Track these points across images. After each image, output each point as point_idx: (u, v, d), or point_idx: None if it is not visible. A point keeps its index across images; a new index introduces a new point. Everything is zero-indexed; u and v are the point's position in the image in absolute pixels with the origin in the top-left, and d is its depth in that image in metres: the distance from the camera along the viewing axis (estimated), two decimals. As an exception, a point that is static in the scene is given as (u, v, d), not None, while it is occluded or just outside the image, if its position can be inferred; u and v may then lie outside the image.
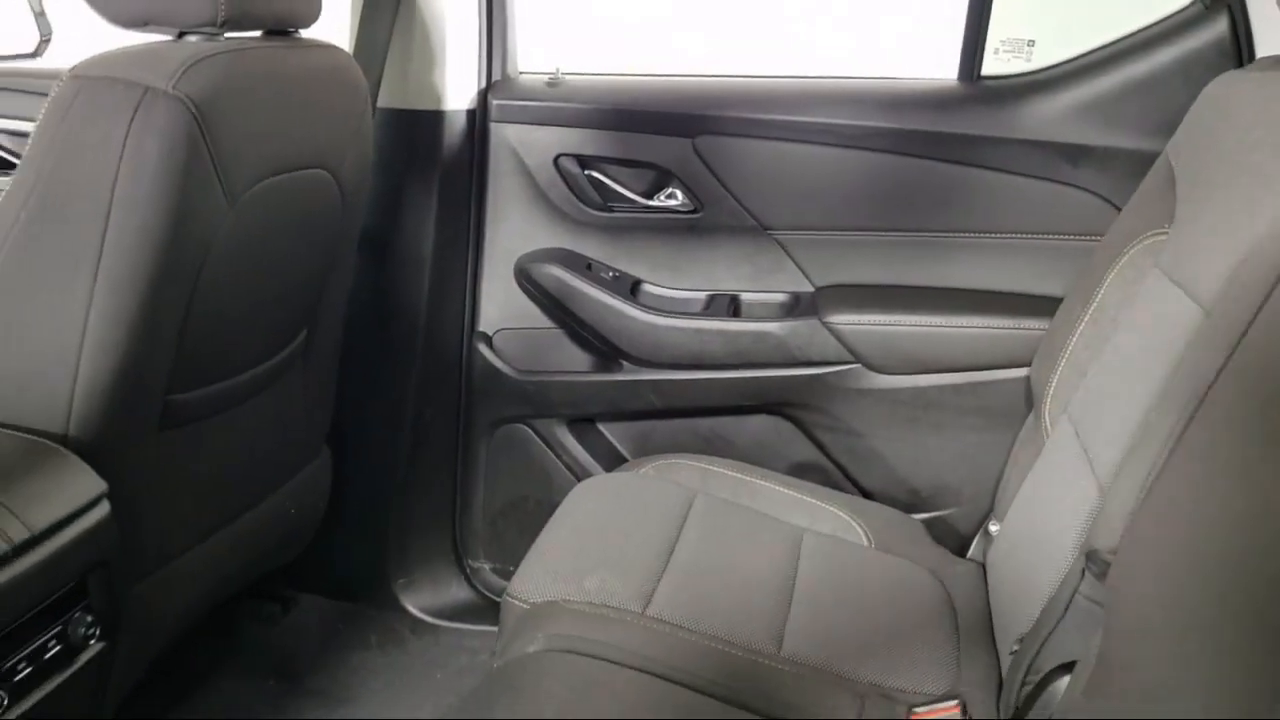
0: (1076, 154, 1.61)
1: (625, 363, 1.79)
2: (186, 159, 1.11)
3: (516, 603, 1.24)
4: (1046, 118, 1.63)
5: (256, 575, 1.67)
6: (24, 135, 2.00)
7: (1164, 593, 0.86)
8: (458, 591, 1.93)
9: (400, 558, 1.89)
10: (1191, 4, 1.58)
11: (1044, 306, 1.57)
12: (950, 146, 1.65)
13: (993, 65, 1.67)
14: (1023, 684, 1.10)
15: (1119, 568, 0.93)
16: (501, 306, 1.83)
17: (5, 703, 1.00)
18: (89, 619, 1.10)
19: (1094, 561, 0.99)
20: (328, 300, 1.55)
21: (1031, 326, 1.58)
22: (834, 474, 1.76)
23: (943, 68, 1.72)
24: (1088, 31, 1.62)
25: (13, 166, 2.02)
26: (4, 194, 1.15)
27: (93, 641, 1.11)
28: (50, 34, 2.16)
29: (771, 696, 1.12)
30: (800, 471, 1.75)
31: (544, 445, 1.86)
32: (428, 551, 1.91)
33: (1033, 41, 1.65)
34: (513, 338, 1.84)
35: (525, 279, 1.80)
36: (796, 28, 2.38)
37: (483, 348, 1.83)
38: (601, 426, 1.86)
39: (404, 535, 1.88)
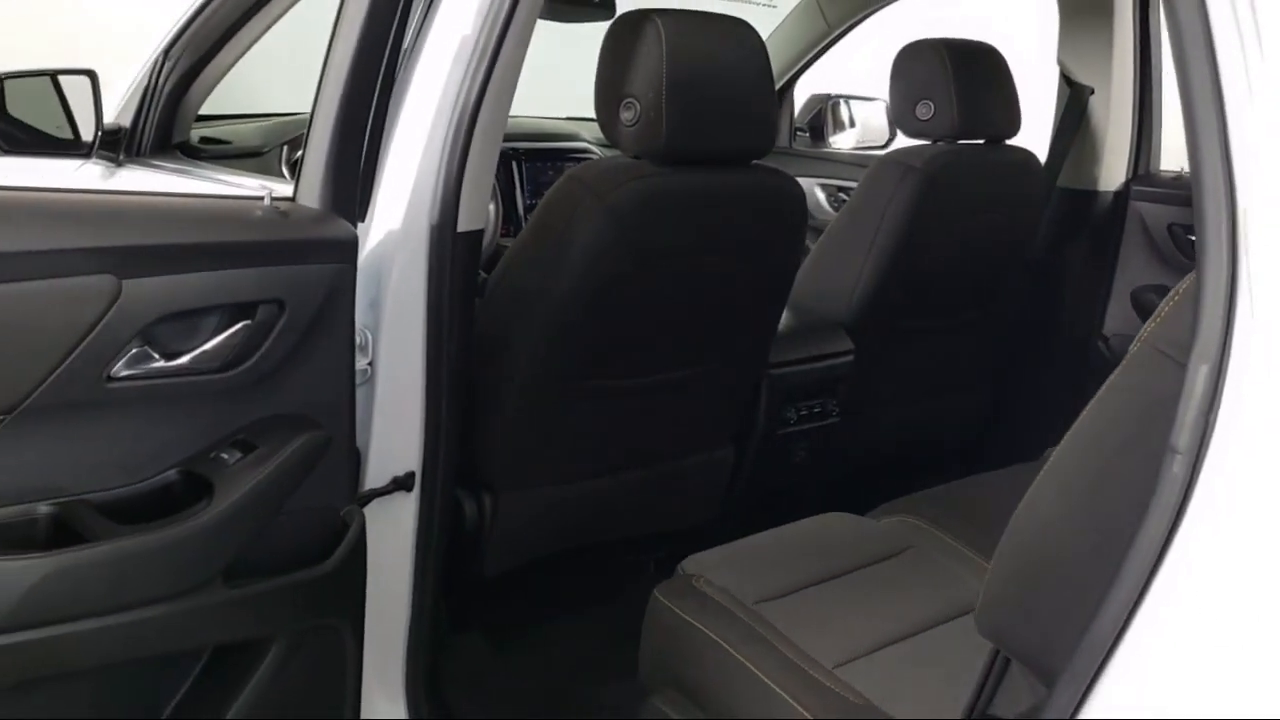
0: None
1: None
2: (917, 200, 2.31)
3: None
4: None
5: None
6: (846, 189, 3.42)
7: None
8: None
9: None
10: None
11: None
12: None
13: None
14: None
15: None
16: (1117, 321, 2.75)
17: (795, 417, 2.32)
18: (835, 404, 2.39)
19: None
20: (998, 293, 2.64)
21: None
22: None
23: None
24: None
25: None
26: (840, 214, 2.49)
27: (834, 415, 2.40)
28: (895, 134, 3.55)
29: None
30: None
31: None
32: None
33: None
34: (1120, 340, 2.75)
35: (1134, 301, 2.70)
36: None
37: (1100, 344, 2.77)
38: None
39: None
